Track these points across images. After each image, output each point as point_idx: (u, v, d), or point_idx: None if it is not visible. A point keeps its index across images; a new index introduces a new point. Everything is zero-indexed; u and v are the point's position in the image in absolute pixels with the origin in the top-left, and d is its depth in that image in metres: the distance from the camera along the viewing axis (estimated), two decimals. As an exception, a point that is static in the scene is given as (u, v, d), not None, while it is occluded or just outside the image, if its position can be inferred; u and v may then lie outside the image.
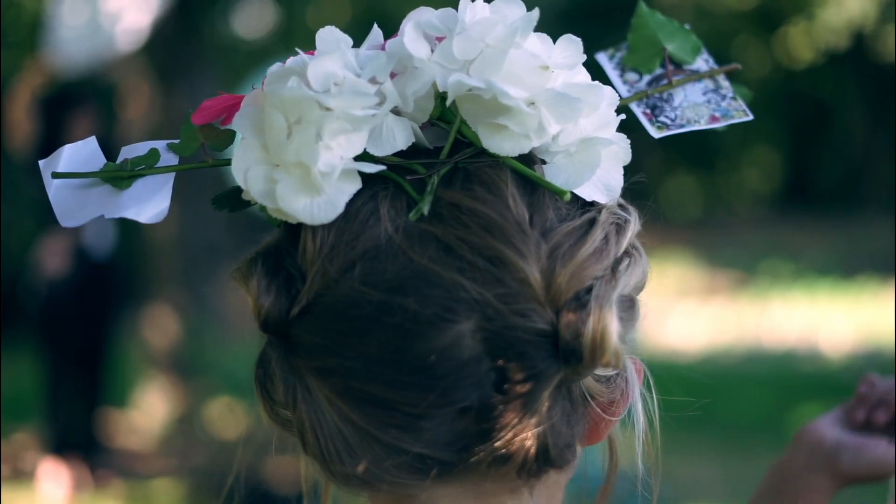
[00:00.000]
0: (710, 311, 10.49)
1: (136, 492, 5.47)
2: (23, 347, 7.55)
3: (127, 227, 9.64)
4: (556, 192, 0.76)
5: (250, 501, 1.12)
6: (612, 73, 0.90)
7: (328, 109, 0.74)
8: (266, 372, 0.81)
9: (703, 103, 0.88)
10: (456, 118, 0.77)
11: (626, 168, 0.82)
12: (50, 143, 5.20)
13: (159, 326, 6.42)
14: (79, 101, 5.29)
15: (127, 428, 6.35)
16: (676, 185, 17.30)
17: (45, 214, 5.48)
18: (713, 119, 0.87)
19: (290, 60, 0.77)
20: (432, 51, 0.77)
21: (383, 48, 0.79)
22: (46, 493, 5.34)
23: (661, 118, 0.87)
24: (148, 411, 6.41)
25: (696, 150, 16.48)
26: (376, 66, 0.76)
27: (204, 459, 5.76)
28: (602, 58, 0.92)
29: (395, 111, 0.77)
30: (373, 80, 0.76)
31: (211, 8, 7.16)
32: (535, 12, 0.76)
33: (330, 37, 0.78)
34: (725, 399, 7.40)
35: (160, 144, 0.87)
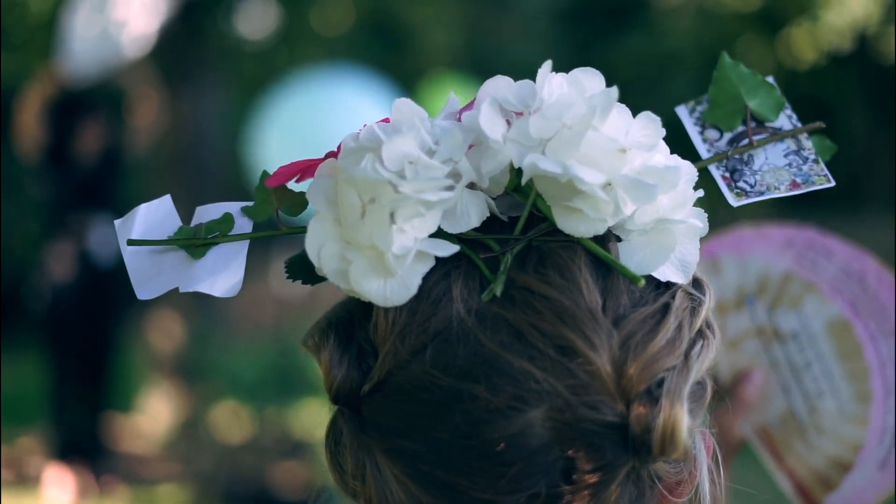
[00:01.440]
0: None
1: (140, 497, 5.46)
2: (27, 349, 7.53)
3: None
4: (631, 279, 0.75)
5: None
6: (692, 130, 0.88)
7: (403, 193, 0.73)
8: (337, 442, 0.81)
9: (783, 167, 0.86)
10: (531, 192, 0.76)
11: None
12: (59, 148, 5.20)
13: (164, 331, 6.40)
14: (87, 108, 5.29)
15: (132, 432, 6.34)
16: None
17: (48, 217, 5.46)
18: (794, 185, 0.85)
19: (364, 133, 0.75)
20: (508, 122, 0.76)
21: (459, 118, 0.78)
22: (51, 499, 5.33)
23: (741, 183, 0.85)
24: (153, 416, 6.39)
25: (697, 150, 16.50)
26: (452, 145, 0.75)
27: (209, 464, 5.75)
28: (682, 112, 0.90)
29: (471, 184, 0.76)
30: (448, 160, 0.75)
31: (214, 11, 7.14)
32: (614, 90, 0.75)
33: (406, 109, 0.77)
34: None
35: (234, 208, 0.86)
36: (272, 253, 12.21)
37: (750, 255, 1.24)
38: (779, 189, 0.85)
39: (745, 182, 0.85)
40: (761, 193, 0.84)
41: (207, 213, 0.86)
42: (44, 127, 5.15)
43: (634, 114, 0.77)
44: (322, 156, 0.81)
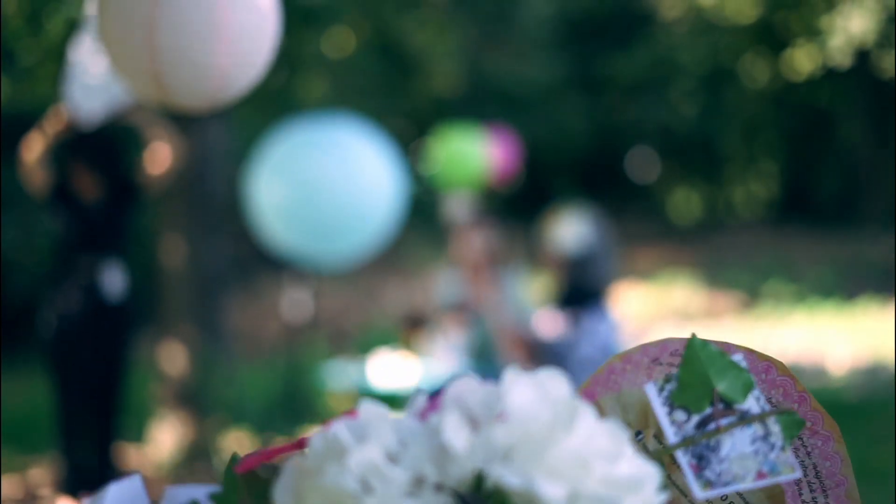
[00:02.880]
0: (714, 334, 10.51)
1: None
2: (40, 373, 7.54)
3: (139, 263, 9.66)
4: None
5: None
6: (660, 411, 0.89)
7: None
8: None
9: (750, 454, 0.86)
10: (496, 495, 0.76)
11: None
12: (65, 186, 5.23)
13: (171, 360, 6.44)
14: (86, 147, 5.28)
15: (141, 464, 6.38)
16: (680, 199, 17.35)
17: (57, 251, 5.47)
18: (760, 476, 0.85)
19: (331, 436, 0.77)
20: (475, 422, 0.77)
21: (425, 414, 0.80)
22: (61, 534, 5.36)
23: (707, 472, 0.85)
24: (161, 446, 6.42)
25: (699, 162, 16.52)
26: (416, 453, 0.76)
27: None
28: (651, 390, 0.90)
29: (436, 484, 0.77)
30: (413, 466, 0.76)
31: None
32: (579, 400, 0.76)
33: (371, 411, 0.79)
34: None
35: (201, 493, 0.86)
36: (282, 277, 12.24)
37: (624, 389, 1.23)
38: (744, 480, 0.85)
39: (712, 471, 0.85)
40: (727, 484, 0.84)
41: (176, 497, 0.86)
42: (49, 166, 5.17)
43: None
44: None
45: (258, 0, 2.14)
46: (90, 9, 4.85)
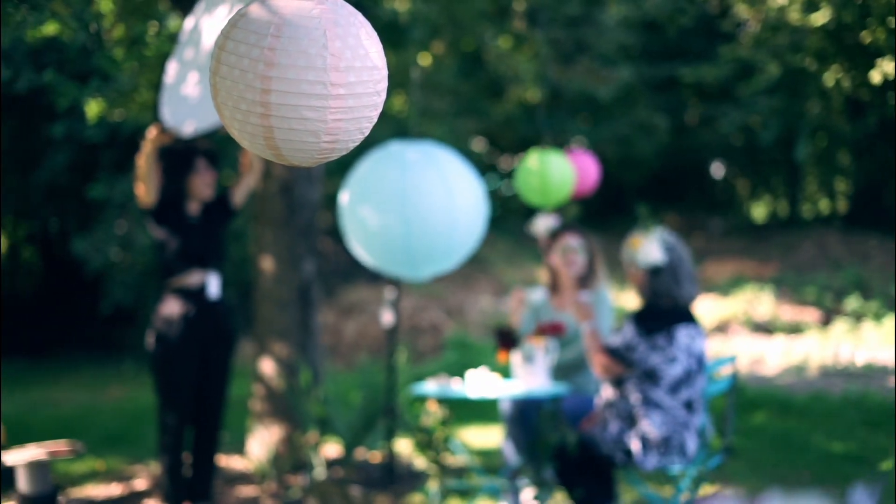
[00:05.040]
0: (798, 346, 10.50)
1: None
2: (146, 380, 7.71)
3: (237, 279, 9.83)
4: None
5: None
6: None
7: None
8: None
9: None
10: None
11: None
12: (173, 196, 5.43)
13: (265, 372, 6.57)
14: (196, 157, 5.48)
15: (239, 472, 6.50)
16: (758, 209, 17.29)
17: (160, 260, 5.64)
18: None
19: None
20: None
21: None
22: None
23: None
24: (259, 456, 6.54)
25: (777, 172, 16.44)
26: None
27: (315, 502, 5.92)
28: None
29: None
30: None
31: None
32: None
33: None
34: (816, 430, 7.47)
35: None
36: (364, 286, 12.37)
37: None
38: None
39: None
40: None
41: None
42: (156, 177, 5.40)
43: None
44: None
45: (370, 60, 2.21)
46: (183, 34, 5.07)
